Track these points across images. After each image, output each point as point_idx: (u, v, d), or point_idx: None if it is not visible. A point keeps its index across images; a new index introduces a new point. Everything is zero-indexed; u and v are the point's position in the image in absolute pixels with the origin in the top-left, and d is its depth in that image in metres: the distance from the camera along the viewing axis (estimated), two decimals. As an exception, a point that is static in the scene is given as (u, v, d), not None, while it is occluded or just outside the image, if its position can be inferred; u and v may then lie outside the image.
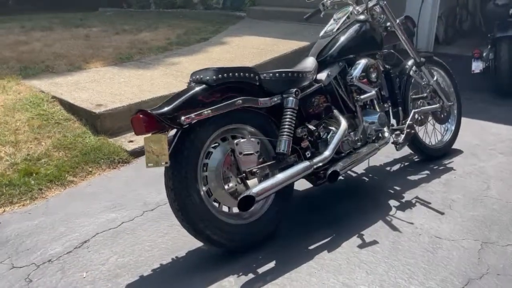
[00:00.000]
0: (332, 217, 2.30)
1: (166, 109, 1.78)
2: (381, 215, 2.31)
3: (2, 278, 1.88)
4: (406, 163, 3.00)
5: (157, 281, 1.86)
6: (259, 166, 1.96)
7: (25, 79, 3.89)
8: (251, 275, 1.88)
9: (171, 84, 3.91)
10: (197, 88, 1.88)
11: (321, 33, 2.58)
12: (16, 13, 8.56)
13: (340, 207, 2.41)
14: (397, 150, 2.57)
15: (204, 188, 1.93)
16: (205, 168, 1.94)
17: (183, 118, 1.76)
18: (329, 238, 2.11)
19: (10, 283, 1.85)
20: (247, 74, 2.00)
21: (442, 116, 3.06)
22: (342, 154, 2.28)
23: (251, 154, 1.97)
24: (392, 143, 2.51)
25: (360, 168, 2.81)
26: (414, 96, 2.91)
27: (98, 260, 1.98)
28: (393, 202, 2.47)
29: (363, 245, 2.06)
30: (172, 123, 1.75)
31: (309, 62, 2.37)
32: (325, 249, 2.03)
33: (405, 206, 2.41)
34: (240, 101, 1.94)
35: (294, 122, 2.07)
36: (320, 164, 2.11)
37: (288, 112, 2.06)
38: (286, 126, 2.04)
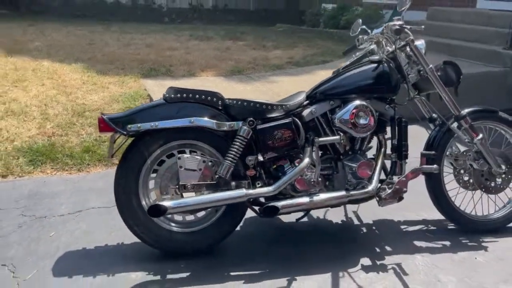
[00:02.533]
0: (285, 258, 2.29)
1: (119, 115, 2.14)
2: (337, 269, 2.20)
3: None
4: (432, 227, 2.64)
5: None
6: (194, 183, 2.14)
7: (144, 78, 4.80)
8: (158, 277, 2.08)
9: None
10: (155, 102, 2.18)
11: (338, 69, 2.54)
12: (205, 22, 10.21)
13: (305, 249, 2.37)
14: (379, 205, 2.32)
15: (147, 192, 2.20)
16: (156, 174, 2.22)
17: (129, 126, 2.09)
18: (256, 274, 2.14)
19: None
20: (209, 98, 2.20)
21: (492, 184, 2.57)
22: (300, 193, 2.23)
23: (193, 170, 2.16)
24: (376, 196, 2.29)
25: (375, 215, 2.68)
26: (451, 153, 2.55)
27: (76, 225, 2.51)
28: (365, 261, 2.27)
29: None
30: (119, 128, 2.09)
31: (296, 96, 2.38)
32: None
33: (372, 269, 2.20)
34: (193, 120, 2.15)
35: (241, 149, 2.16)
36: (258, 196, 2.15)
37: (238, 140, 2.17)
38: (231, 153, 2.15)
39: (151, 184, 2.23)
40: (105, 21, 9.24)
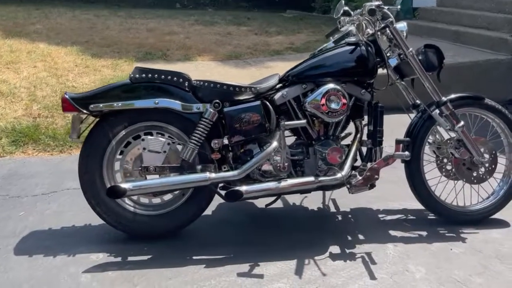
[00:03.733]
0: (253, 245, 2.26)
1: (82, 95, 2.13)
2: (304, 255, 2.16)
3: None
4: (412, 216, 2.58)
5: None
6: (157, 165, 2.12)
7: (138, 62, 4.79)
8: (119, 259, 2.08)
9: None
10: (120, 83, 2.16)
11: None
12: (216, 8, 10.09)
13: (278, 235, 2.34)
14: (349, 192, 2.26)
15: (112, 173, 2.19)
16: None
17: (92, 105, 2.07)
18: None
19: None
20: (175, 79, 2.17)
21: (474, 174, 2.48)
22: (268, 178, 2.20)
23: (157, 152, 2.14)
24: (347, 183, 2.23)
25: (355, 202, 2.63)
26: (431, 140, 2.47)
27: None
28: (334, 249, 2.23)
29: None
30: (81, 107, 2.07)
31: (269, 79, 2.33)
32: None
33: (340, 257, 2.16)
34: (158, 101, 2.12)
35: (205, 132, 2.13)
36: (223, 180, 2.12)
37: (202, 122, 2.14)
38: (195, 136, 2.13)
39: (117, 165, 2.22)
40: (114, 6, 9.25)
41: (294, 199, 2.71)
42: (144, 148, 2.13)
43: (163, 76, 2.16)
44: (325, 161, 2.23)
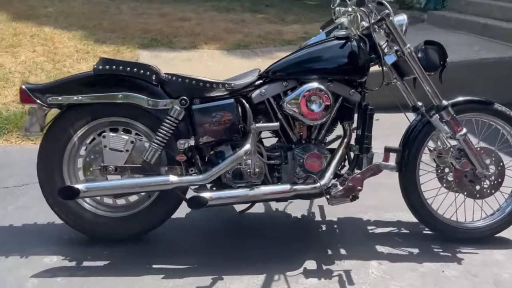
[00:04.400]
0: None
1: (41, 86, 1.99)
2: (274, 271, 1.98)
3: None
4: (405, 230, 2.35)
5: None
6: (117, 165, 1.96)
7: (141, 49, 4.66)
8: (73, 264, 1.96)
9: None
10: (83, 74, 2.01)
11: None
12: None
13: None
14: (329, 204, 2.05)
15: (74, 171, 2.06)
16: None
17: (50, 98, 1.93)
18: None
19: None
20: (141, 71, 2.00)
21: (477, 187, 2.22)
22: (240, 184, 2.01)
23: (119, 151, 1.98)
24: (326, 193, 2.02)
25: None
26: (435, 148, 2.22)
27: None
28: (310, 264, 2.03)
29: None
30: (39, 99, 1.94)
31: (248, 74, 2.13)
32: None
33: (315, 275, 1.96)
34: (122, 96, 1.96)
35: (171, 132, 1.96)
36: (188, 184, 1.95)
37: (167, 121, 1.97)
38: (159, 135, 1.97)
39: (80, 162, 2.08)
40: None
41: (277, 204, 2.52)
42: (105, 146, 1.98)
43: (128, 68, 1.98)
44: (303, 168, 2.02)
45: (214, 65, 4.29)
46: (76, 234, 2.11)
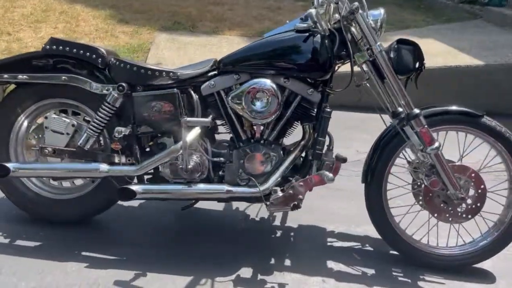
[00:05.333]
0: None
1: (-6, 62, 2.00)
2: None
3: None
4: (369, 247, 2.13)
5: None
6: (55, 147, 1.93)
7: (160, 31, 4.65)
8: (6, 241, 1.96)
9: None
10: (32, 53, 2.00)
11: None
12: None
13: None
14: (267, 210, 1.88)
15: (22, 149, 2.06)
16: None
17: None
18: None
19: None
20: (87, 54, 1.95)
21: (451, 210, 1.96)
22: (177, 180, 1.91)
23: (60, 133, 1.96)
24: (265, 199, 1.85)
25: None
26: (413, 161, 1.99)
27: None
28: (243, 272, 1.90)
29: None
30: None
31: (202, 64, 2.01)
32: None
33: (244, 284, 1.84)
34: (66, 77, 1.93)
35: (107, 118, 1.90)
36: (120, 174, 1.88)
37: (104, 107, 1.91)
38: (95, 122, 1.92)
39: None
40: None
41: (239, 203, 2.39)
42: (46, 127, 1.97)
43: (75, 50, 1.94)
44: (244, 169, 1.88)
45: (228, 51, 4.16)
46: (21, 211, 2.14)
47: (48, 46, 1.96)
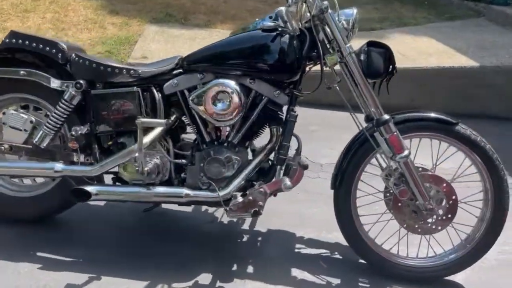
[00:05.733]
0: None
1: None
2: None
3: None
4: (338, 256, 2.06)
5: None
6: (11, 144, 1.88)
7: (151, 23, 4.56)
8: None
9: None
10: (-10, 47, 1.93)
11: None
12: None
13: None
14: (227, 215, 1.81)
15: None
16: None
17: None
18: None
19: None
20: (47, 48, 1.88)
21: (421, 221, 1.88)
22: (136, 182, 1.85)
23: (17, 129, 1.90)
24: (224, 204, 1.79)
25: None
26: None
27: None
28: (203, 279, 1.84)
29: None
30: None
31: (167, 61, 1.93)
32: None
33: None
34: (25, 72, 1.87)
35: (64, 116, 1.85)
36: (77, 174, 1.83)
37: (60, 104, 1.85)
38: (51, 119, 1.86)
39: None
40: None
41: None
42: (4, 123, 1.91)
43: (34, 44, 1.87)
44: (204, 172, 1.81)
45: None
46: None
47: (7, 40, 1.89)
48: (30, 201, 2.02)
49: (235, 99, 1.75)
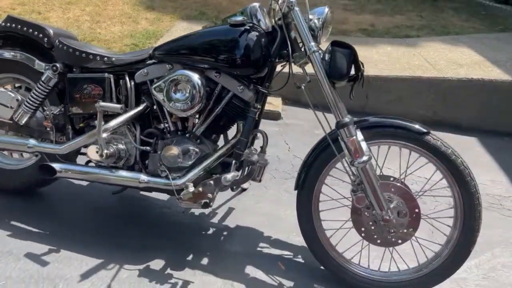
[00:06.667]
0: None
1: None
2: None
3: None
4: (300, 260, 2.02)
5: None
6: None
7: (182, 20, 4.70)
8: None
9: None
10: (-11, 29, 2.09)
11: None
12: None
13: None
14: (179, 205, 1.82)
15: None
16: None
17: None
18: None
19: None
20: (35, 33, 2.02)
21: (381, 231, 1.79)
22: (101, 163, 1.92)
23: (5, 106, 2.05)
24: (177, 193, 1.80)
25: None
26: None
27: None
28: (156, 264, 1.88)
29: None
30: None
31: (142, 51, 1.99)
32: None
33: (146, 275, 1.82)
34: (15, 54, 2.03)
35: (41, 97, 1.97)
36: (46, 151, 1.94)
37: (38, 85, 1.98)
38: (30, 99, 2.00)
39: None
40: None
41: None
42: (-7, 100, 2.08)
43: (25, 28, 2.02)
44: (160, 160, 1.85)
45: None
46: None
47: (4, 23, 2.06)
48: (16, 174, 2.18)
49: (194, 90, 1.77)
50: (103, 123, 1.79)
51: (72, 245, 1.94)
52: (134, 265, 1.87)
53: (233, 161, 1.81)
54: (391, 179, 1.83)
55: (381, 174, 1.89)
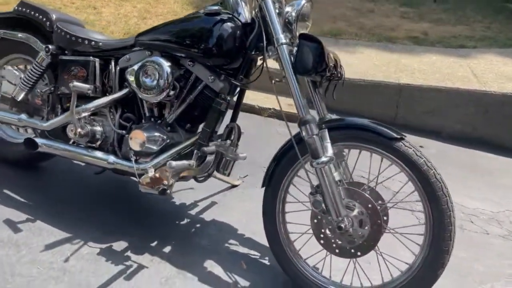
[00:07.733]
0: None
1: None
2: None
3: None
4: (265, 261, 1.94)
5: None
6: (5, 95, 2.19)
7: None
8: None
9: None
10: (5, 13, 2.28)
11: None
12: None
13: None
14: (139, 189, 1.80)
15: None
16: None
17: None
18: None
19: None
20: (40, 17, 2.16)
21: (338, 240, 1.65)
22: (80, 142, 1.99)
23: (12, 83, 2.21)
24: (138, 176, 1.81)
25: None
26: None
27: None
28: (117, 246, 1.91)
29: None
30: None
31: (130, 38, 2.03)
32: None
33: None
34: (22, 35, 2.19)
35: (35, 76, 2.10)
36: (33, 127, 2.06)
37: (33, 65, 2.10)
38: (25, 78, 2.13)
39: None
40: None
41: (181, 185, 2.34)
42: (2, 77, 2.25)
43: (33, 12, 2.17)
44: (128, 144, 1.87)
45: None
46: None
47: (16, 7, 2.23)
48: (18, 147, 2.34)
49: (161, 77, 1.78)
50: (76, 103, 1.87)
51: (48, 218, 2.03)
52: (98, 244, 1.92)
53: (195, 151, 1.79)
54: (363, 186, 1.68)
55: (351, 179, 1.76)
